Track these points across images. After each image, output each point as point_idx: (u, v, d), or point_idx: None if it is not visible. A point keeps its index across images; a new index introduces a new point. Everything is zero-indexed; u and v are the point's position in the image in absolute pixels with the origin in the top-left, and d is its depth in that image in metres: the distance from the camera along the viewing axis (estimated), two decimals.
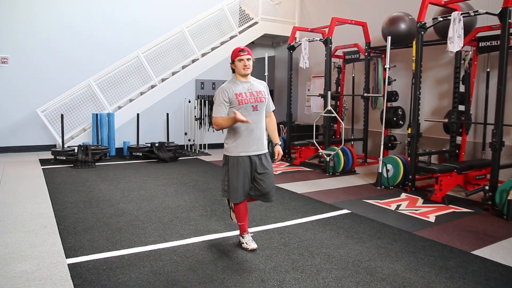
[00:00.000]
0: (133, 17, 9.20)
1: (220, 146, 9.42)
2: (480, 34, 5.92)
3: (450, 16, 5.02)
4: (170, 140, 8.86)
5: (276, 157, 3.33)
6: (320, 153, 7.00)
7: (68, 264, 2.99)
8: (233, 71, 3.25)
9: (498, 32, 5.12)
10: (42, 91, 8.32)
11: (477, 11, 4.92)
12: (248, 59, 3.15)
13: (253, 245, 3.34)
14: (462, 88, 6.07)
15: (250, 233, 3.46)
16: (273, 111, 3.43)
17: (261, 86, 3.28)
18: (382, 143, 5.91)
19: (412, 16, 6.90)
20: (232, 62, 3.21)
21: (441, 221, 4.22)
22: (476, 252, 3.39)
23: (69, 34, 8.63)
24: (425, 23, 5.35)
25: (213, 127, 8.85)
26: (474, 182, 5.32)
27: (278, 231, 3.82)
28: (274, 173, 6.66)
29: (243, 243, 3.38)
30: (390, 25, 7.02)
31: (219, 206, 4.64)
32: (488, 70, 6.22)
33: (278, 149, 3.32)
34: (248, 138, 3.16)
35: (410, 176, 5.55)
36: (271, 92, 10.37)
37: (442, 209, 4.66)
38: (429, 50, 6.91)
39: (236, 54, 3.16)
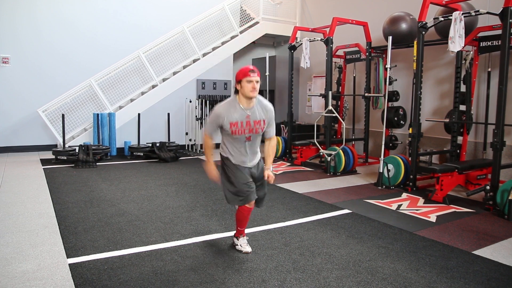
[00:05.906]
0: (134, 17, 9.20)
1: None
2: (481, 34, 5.91)
3: (451, 16, 5.02)
4: (171, 140, 8.87)
5: (267, 180, 3.09)
6: (321, 153, 7.00)
7: (69, 264, 2.99)
8: (236, 92, 2.97)
9: (499, 32, 5.12)
10: (43, 91, 8.32)
11: (478, 11, 4.92)
12: (257, 82, 2.87)
13: (247, 248, 3.27)
14: (463, 88, 6.07)
15: (247, 236, 3.42)
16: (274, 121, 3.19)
17: (262, 114, 3.01)
18: (383, 143, 5.90)
19: (413, 16, 6.90)
20: (239, 82, 2.89)
21: (442, 221, 4.22)
22: (477, 252, 3.39)
23: (71, 34, 8.64)
24: (426, 23, 5.34)
25: None
26: (475, 182, 5.31)
27: (279, 231, 3.82)
28: (275, 173, 6.69)
29: (237, 245, 3.32)
30: (391, 25, 7.02)
31: (220, 206, 4.64)
32: (489, 70, 6.22)
33: (268, 173, 3.08)
34: (241, 157, 3.11)
35: (411, 176, 5.55)
36: (272, 93, 10.36)
37: (443, 209, 4.65)
38: (430, 50, 6.91)
39: (246, 73, 2.85)
